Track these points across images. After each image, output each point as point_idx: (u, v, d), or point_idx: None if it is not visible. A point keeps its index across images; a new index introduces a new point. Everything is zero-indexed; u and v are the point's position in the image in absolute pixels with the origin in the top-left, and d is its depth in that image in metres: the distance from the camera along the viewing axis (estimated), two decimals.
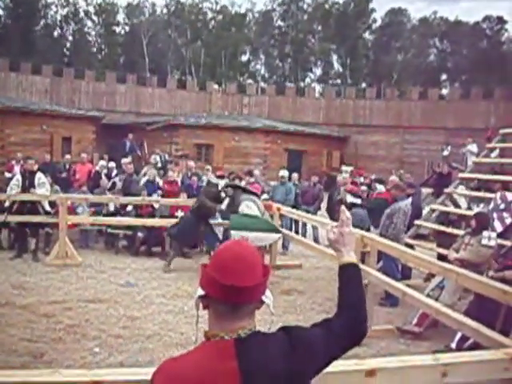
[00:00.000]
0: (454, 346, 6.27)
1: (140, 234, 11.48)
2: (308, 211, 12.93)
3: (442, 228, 9.54)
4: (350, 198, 9.60)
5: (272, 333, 1.83)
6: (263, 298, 1.80)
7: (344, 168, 22.77)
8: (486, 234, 7.08)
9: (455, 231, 9.32)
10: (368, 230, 8.66)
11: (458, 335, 6.14)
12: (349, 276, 2.03)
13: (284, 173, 13.61)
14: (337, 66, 50.43)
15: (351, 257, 2.06)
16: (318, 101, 31.93)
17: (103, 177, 13.78)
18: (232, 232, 9.39)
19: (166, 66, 45.84)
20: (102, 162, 15.23)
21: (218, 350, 1.71)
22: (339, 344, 1.91)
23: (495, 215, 7.91)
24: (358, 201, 9.49)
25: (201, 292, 1.78)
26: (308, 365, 1.80)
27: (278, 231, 9.96)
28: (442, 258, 8.00)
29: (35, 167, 11.22)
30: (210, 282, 1.74)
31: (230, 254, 1.75)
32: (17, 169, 13.91)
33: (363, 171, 20.92)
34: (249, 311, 1.77)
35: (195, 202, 10.49)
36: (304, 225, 13.52)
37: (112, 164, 15.10)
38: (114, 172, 14.52)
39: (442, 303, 6.32)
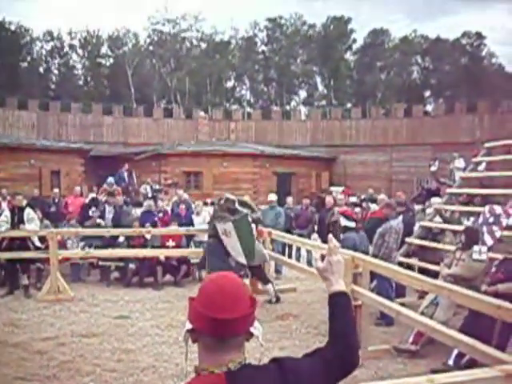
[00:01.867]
0: (451, 362, 6.25)
1: (132, 266, 11.42)
2: (301, 235, 12.92)
3: (425, 243, 9.57)
4: (343, 221, 9.53)
5: (263, 365, 1.81)
6: (252, 329, 1.79)
7: (334, 189, 22.81)
8: (476, 248, 7.10)
9: (438, 246, 9.36)
10: (366, 253, 8.60)
11: (455, 352, 6.12)
12: (339, 305, 2.00)
13: (273, 197, 13.62)
14: (321, 87, 50.88)
15: (340, 285, 2.04)
16: (304, 123, 32.11)
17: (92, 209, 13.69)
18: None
19: (152, 95, 46.03)
20: (92, 195, 15.17)
21: None
22: (331, 374, 1.88)
23: (485, 229, 7.94)
24: (352, 224, 9.40)
25: (189, 326, 1.77)
26: None
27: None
28: (423, 272, 8.02)
29: (24, 203, 11.18)
30: (196, 315, 1.73)
31: (216, 287, 1.75)
32: (4, 205, 13.79)
33: (350, 190, 21.01)
34: (238, 344, 1.75)
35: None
36: (298, 249, 13.47)
37: (92, 195, 15.09)
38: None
39: (437, 320, 6.32)
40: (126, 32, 48.98)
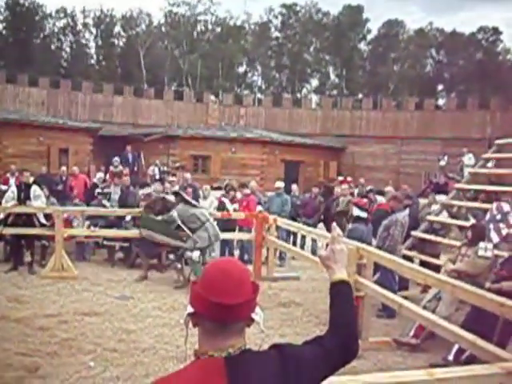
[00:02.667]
0: (451, 358, 6.24)
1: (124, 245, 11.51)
2: (307, 224, 12.90)
3: (430, 237, 9.57)
4: (356, 211, 9.45)
5: (263, 351, 1.81)
6: (253, 315, 1.78)
7: (340, 178, 22.74)
8: (482, 245, 7.07)
9: (443, 240, 9.35)
10: (370, 245, 8.60)
11: (456, 347, 6.11)
12: (340, 293, 2.00)
13: (280, 184, 13.60)
14: (333, 76, 50.66)
15: (343, 274, 2.04)
16: (314, 111, 32.01)
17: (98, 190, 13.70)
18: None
19: (163, 77, 45.98)
20: (100, 174, 15.19)
21: (208, 368, 1.69)
22: (331, 362, 1.88)
23: (492, 226, 7.90)
24: (364, 214, 9.36)
25: (190, 309, 1.77)
26: (300, 383, 1.78)
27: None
28: (423, 264, 8.00)
29: (31, 179, 11.20)
30: (198, 299, 1.73)
31: (219, 272, 1.74)
32: (12, 181, 13.85)
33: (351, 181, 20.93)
34: (238, 329, 1.75)
35: None
36: (303, 237, 13.44)
37: (100, 174, 15.12)
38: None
39: (439, 315, 6.31)
40: (140, 12, 48.86)
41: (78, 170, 16.05)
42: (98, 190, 13.06)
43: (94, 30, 49.03)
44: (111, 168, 17.24)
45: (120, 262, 11.82)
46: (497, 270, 6.75)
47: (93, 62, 49.16)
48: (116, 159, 18.28)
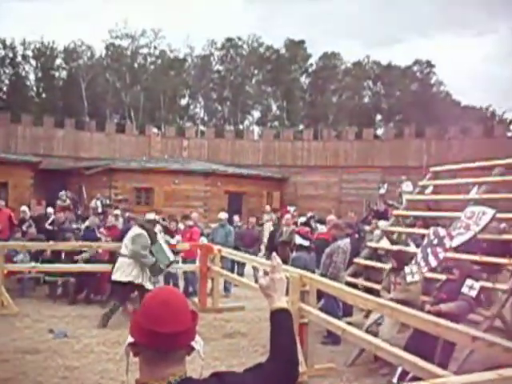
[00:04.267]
0: (395, 381, 6.36)
1: (72, 280, 11.28)
2: (247, 253, 12.97)
3: (371, 263, 9.76)
4: (298, 240, 9.56)
5: (203, 379, 1.84)
6: (193, 343, 1.81)
7: (290, 208, 22.90)
8: (407, 270, 7.26)
9: (385, 266, 9.56)
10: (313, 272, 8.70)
11: (399, 369, 6.23)
12: (280, 321, 2.05)
13: (223, 215, 13.66)
14: (274, 108, 51.36)
15: (282, 302, 2.09)
16: (256, 143, 32.33)
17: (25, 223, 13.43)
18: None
19: (105, 110, 45.61)
20: (24, 208, 14.78)
21: None
22: None
23: (429, 250, 8.14)
24: (306, 243, 9.48)
25: (130, 339, 1.79)
26: None
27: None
28: (368, 290, 8.18)
29: None
30: (138, 328, 1.75)
31: (157, 301, 1.77)
32: None
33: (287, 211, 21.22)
34: (178, 357, 1.78)
35: None
36: (242, 265, 13.45)
37: (50, 209, 14.81)
38: (52, 217, 14.24)
39: (382, 338, 6.44)
40: (81, 44, 48.49)
41: (3, 203, 15.47)
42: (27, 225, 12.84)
43: (33, 62, 48.28)
44: (59, 202, 16.97)
45: (63, 297, 11.53)
46: (436, 293, 6.95)
47: (33, 94, 48.32)
48: (63, 193, 18.03)
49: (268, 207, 17.98)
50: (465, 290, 6.54)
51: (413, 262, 7.87)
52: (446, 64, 77.49)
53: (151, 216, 10.42)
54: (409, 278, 7.17)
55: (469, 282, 6.60)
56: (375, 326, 7.14)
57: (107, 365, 7.22)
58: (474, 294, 6.53)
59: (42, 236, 12.65)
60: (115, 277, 9.47)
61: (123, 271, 9.41)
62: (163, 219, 13.16)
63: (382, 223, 11.30)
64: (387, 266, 8.23)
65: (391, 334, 6.75)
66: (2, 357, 7.37)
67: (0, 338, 8.35)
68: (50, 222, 14.06)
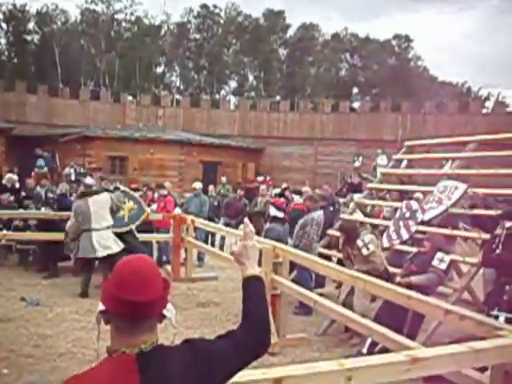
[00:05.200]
0: (365, 351, 6.46)
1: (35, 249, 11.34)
2: (229, 224, 12.99)
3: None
4: (272, 211, 9.56)
5: (175, 346, 1.84)
6: (164, 311, 1.81)
7: (259, 178, 23.00)
8: (360, 243, 7.30)
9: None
10: (286, 244, 8.71)
11: (369, 340, 6.33)
12: (252, 289, 2.06)
13: (197, 185, 13.61)
14: (251, 79, 51.06)
15: (254, 269, 2.10)
16: (232, 113, 32.15)
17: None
18: None
19: (79, 76, 44.87)
20: (9, 175, 14.64)
21: (120, 365, 1.70)
22: (243, 355, 1.93)
23: (401, 223, 8.22)
24: (281, 214, 9.48)
25: (102, 307, 1.78)
26: (212, 377, 1.81)
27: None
28: (341, 262, 8.22)
29: None
30: (109, 297, 1.74)
31: (129, 269, 1.76)
32: None
33: (270, 181, 21.32)
34: (150, 325, 1.77)
35: None
36: (222, 237, 13.49)
37: (14, 176, 14.63)
38: (17, 185, 14.09)
39: (356, 309, 6.54)
40: (55, 9, 47.44)
41: None
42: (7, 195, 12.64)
43: (4, 26, 47.14)
44: (36, 170, 16.81)
45: (33, 265, 11.44)
46: (407, 265, 7.04)
47: (4, 58, 47.23)
48: (41, 161, 17.88)
49: (224, 179, 17.93)
50: (435, 262, 6.64)
51: (364, 232, 7.83)
52: (425, 39, 77.78)
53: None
54: (364, 251, 7.19)
55: (439, 254, 6.70)
56: (350, 296, 7.21)
57: (80, 333, 7.22)
58: (443, 266, 6.63)
59: (15, 203, 12.49)
60: (105, 252, 9.11)
61: (109, 245, 9.18)
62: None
63: (356, 196, 11.36)
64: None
65: (363, 303, 6.85)
66: None
67: None
68: (12, 187, 13.84)
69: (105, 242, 9.14)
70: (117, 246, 9.17)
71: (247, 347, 1.94)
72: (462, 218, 8.62)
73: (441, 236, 7.36)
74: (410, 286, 5.98)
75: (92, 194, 9.60)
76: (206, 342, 1.91)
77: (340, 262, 8.38)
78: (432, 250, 6.82)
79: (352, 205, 10.44)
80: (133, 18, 48.94)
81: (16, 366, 6.00)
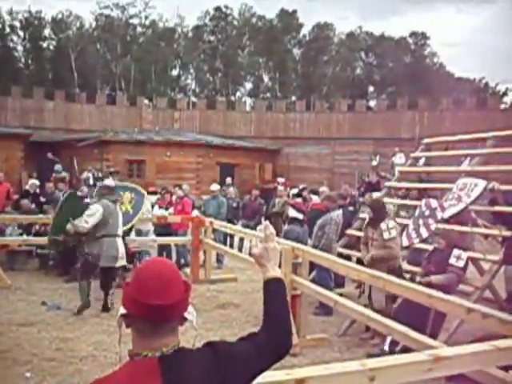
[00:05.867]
0: (386, 348, 6.43)
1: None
2: (247, 226, 13.00)
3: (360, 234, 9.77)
4: (292, 212, 9.54)
5: (197, 349, 1.85)
6: (186, 314, 1.81)
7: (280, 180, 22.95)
8: (383, 226, 7.26)
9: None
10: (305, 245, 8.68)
11: (389, 338, 6.29)
12: (273, 291, 2.06)
13: (215, 187, 13.63)
14: (266, 79, 51.04)
15: (276, 272, 2.10)
16: (248, 114, 32.15)
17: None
18: None
19: (95, 81, 45.17)
20: (32, 181, 14.78)
21: (141, 368, 1.71)
22: (265, 357, 1.93)
23: (421, 222, 8.16)
24: (300, 216, 9.46)
25: (123, 311, 1.78)
26: (234, 379, 1.81)
27: None
28: (361, 262, 8.19)
29: None
30: (130, 300, 1.74)
31: (149, 273, 1.76)
32: None
33: (288, 182, 21.28)
34: (171, 328, 1.78)
35: None
36: (241, 239, 13.51)
37: (35, 182, 14.79)
38: (37, 190, 14.21)
39: (375, 305, 6.53)
40: (70, 15, 47.81)
41: (3, 176, 15.43)
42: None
43: (21, 33, 47.60)
44: (54, 174, 16.93)
45: (55, 269, 11.52)
46: (425, 264, 6.99)
47: (21, 65, 47.68)
48: (59, 166, 18.04)
49: (229, 180, 17.87)
50: (452, 260, 6.58)
51: (389, 217, 7.78)
52: (441, 35, 77.01)
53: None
54: (386, 235, 7.18)
55: (456, 252, 6.64)
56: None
57: (101, 336, 7.27)
58: (461, 264, 6.58)
59: (36, 209, 12.61)
60: (122, 262, 8.93)
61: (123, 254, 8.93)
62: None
63: (375, 195, 11.31)
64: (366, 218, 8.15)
65: (380, 298, 6.82)
66: None
67: None
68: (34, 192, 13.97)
69: (123, 251, 8.86)
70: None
71: (269, 349, 1.94)
72: (481, 214, 8.56)
73: (455, 232, 7.31)
74: (430, 286, 5.95)
75: (118, 200, 9.30)
76: (228, 345, 1.91)
77: (359, 262, 8.35)
78: (448, 247, 6.77)
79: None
80: (147, 22, 49.16)
81: (39, 369, 6.06)
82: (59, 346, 6.88)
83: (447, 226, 7.58)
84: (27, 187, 14.28)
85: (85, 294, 8.48)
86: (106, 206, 8.49)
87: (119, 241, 8.73)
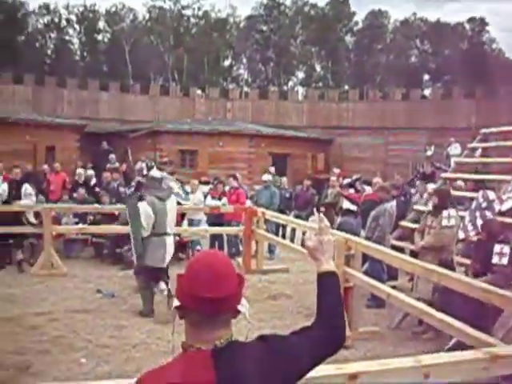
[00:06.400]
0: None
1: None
2: (299, 216, 12.95)
3: (414, 226, 9.60)
4: (346, 204, 9.45)
5: (249, 342, 1.84)
6: (239, 307, 1.81)
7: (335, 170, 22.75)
8: (445, 213, 7.08)
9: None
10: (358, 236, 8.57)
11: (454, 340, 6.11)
12: (327, 284, 2.04)
13: (267, 177, 13.61)
14: (319, 69, 50.66)
15: (330, 265, 2.07)
16: (301, 104, 31.97)
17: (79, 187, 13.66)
18: None
19: (149, 72, 45.77)
20: (79, 170, 15.11)
21: (195, 361, 1.71)
22: (318, 351, 1.92)
23: (478, 214, 7.98)
24: (355, 207, 9.37)
25: (177, 303, 1.79)
26: (287, 373, 1.80)
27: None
28: (414, 254, 8.04)
29: (18, 176, 11.18)
30: (184, 293, 1.75)
31: (203, 265, 1.76)
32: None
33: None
34: (225, 321, 1.78)
35: None
36: (293, 229, 13.48)
37: (91, 172, 15.06)
38: (93, 180, 14.49)
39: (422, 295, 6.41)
40: (123, 7, 48.57)
41: (60, 166, 15.84)
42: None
43: (77, 27, 48.66)
44: (108, 165, 17.31)
45: (108, 258, 11.75)
46: (471, 261, 6.82)
47: (77, 58, 48.77)
48: (112, 156, 18.42)
49: (272, 169, 17.65)
50: (495, 259, 6.35)
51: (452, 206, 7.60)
52: (501, 20, 74.49)
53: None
54: (444, 222, 7.01)
55: (497, 247, 6.41)
56: None
57: (153, 324, 7.37)
58: (505, 261, 6.33)
59: (91, 198, 12.88)
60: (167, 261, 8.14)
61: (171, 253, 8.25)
62: None
63: (430, 186, 11.09)
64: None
65: (426, 288, 6.69)
66: (54, 316, 7.60)
67: (50, 298, 8.61)
68: (93, 183, 14.27)
69: (170, 250, 8.17)
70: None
71: (322, 343, 1.92)
72: None
73: (497, 223, 7.09)
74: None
75: (168, 196, 8.33)
76: (281, 339, 1.89)
77: (413, 254, 8.22)
78: (489, 239, 6.57)
79: (426, 195, 10.20)
80: (200, 13, 49.43)
81: (93, 355, 6.19)
82: (113, 333, 7.01)
83: (507, 219, 7.37)
84: (76, 177, 14.57)
85: (146, 302, 7.94)
86: (152, 204, 7.87)
87: (168, 239, 8.05)
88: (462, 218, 8.21)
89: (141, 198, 8.18)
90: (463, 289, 4.98)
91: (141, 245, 7.76)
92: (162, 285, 7.88)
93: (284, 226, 13.59)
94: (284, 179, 15.37)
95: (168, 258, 8.02)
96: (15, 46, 43.65)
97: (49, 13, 47.70)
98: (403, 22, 49.76)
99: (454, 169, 10.46)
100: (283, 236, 13.49)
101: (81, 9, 47.86)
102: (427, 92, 38.79)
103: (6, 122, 22.33)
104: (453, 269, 6.64)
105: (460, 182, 9.76)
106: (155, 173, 8.97)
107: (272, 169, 17.75)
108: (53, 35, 48.36)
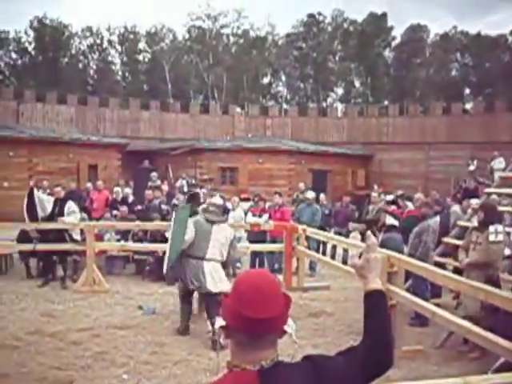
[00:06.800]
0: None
1: (151, 259, 11.56)
2: (340, 233, 12.84)
3: (458, 242, 9.41)
4: (389, 220, 9.33)
5: (295, 362, 1.81)
6: (285, 327, 1.78)
7: (375, 187, 22.56)
8: (492, 228, 6.90)
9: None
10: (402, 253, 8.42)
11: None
12: (375, 304, 1.99)
13: (310, 194, 13.53)
14: (358, 85, 50.47)
15: (377, 283, 2.02)
16: (340, 120, 31.92)
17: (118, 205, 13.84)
18: None
19: (189, 91, 46.31)
20: (117, 189, 15.31)
21: (241, 381, 1.70)
22: (365, 373, 1.86)
23: None
24: (397, 223, 9.26)
25: (222, 322, 1.77)
26: None
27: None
28: (457, 271, 7.87)
29: (62, 194, 11.37)
30: (230, 313, 1.74)
31: (250, 286, 1.75)
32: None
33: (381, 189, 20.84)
34: (271, 341, 1.75)
35: None
36: (334, 246, 13.38)
37: (128, 190, 15.24)
38: (131, 198, 14.65)
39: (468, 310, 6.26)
40: (163, 28, 49.37)
41: (102, 185, 16.10)
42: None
43: (118, 47, 49.67)
44: (150, 183, 17.54)
45: (151, 274, 11.83)
46: None
47: (119, 78, 49.71)
48: (154, 174, 18.67)
49: (302, 185, 17.43)
50: (491, 237, 6.24)
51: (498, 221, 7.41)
52: None
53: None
54: (491, 237, 6.82)
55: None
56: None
57: (195, 341, 7.38)
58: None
59: (133, 216, 13.03)
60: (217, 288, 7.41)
61: (219, 279, 7.60)
62: None
63: (474, 201, 10.88)
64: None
65: (474, 303, 6.51)
66: (95, 332, 7.68)
67: (93, 314, 8.70)
68: (130, 201, 14.42)
69: (214, 276, 7.49)
70: (227, 284, 7.36)
71: (369, 364, 1.87)
72: None
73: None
74: None
75: (219, 221, 7.81)
76: (327, 359, 1.86)
77: (456, 271, 8.05)
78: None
79: (470, 211, 10.01)
80: (239, 32, 49.88)
81: (135, 372, 6.22)
82: (154, 349, 7.03)
83: None
84: (114, 195, 14.78)
85: (182, 317, 7.83)
86: (197, 223, 7.56)
87: (207, 265, 7.47)
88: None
89: (192, 212, 7.86)
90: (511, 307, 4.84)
91: (175, 255, 7.58)
92: (209, 325, 7.34)
93: (324, 243, 13.48)
94: (322, 195, 15.28)
95: (209, 285, 7.40)
96: (59, 68, 44.80)
97: (91, 34, 48.80)
98: (443, 35, 49.24)
99: (498, 184, 10.23)
100: (324, 253, 13.39)
101: (122, 30, 48.85)
102: (469, 106, 38.26)
103: (51, 141, 22.90)
104: (499, 286, 6.48)
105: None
106: (217, 199, 8.61)
107: (302, 184, 17.69)
108: (95, 56, 49.40)
